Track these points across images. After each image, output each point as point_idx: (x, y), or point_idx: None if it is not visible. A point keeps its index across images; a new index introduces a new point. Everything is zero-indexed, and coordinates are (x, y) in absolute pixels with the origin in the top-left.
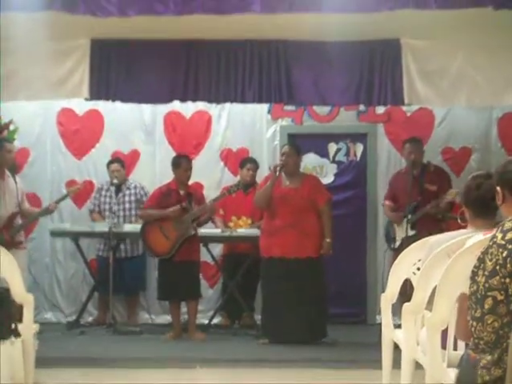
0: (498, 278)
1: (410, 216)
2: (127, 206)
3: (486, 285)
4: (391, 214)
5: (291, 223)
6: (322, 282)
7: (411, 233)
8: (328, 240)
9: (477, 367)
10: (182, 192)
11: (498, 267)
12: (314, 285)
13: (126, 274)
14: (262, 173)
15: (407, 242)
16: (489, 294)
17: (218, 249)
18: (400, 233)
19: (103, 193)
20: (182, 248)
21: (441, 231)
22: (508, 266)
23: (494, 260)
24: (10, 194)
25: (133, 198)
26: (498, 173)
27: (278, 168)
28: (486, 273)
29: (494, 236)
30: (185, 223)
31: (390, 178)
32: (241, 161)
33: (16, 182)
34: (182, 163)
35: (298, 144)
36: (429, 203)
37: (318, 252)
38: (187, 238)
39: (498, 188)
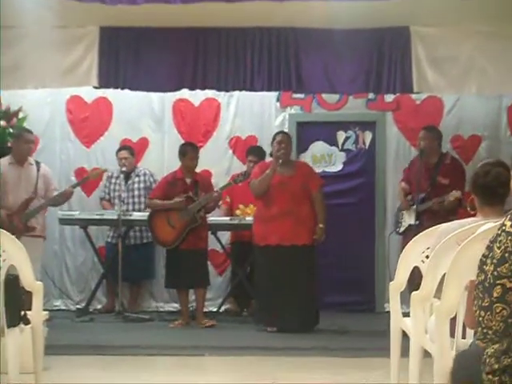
0: (507, 265)
1: (415, 206)
2: (136, 193)
3: (495, 273)
4: (402, 199)
5: (287, 211)
6: (315, 270)
7: (415, 222)
8: (321, 225)
9: (480, 356)
10: (188, 180)
11: (507, 254)
12: (308, 272)
13: (133, 261)
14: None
15: (410, 230)
16: (498, 282)
17: (226, 237)
18: (407, 218)
19: (113, 180)
20: (190, 236)
21: None
22: None
23: (503, 247)
24: (27, 182)
25: (142, 185)
26: None
27: (280, 158)
28: (495, 261)
29: (503, 224)
30: (191, 212)
31: (411, 160)
32: (247, 149)
33: (39, 170)
34: (188, 151)
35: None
36: (437, 196)
37: (313, 239)
38: (194, 227)
39: None
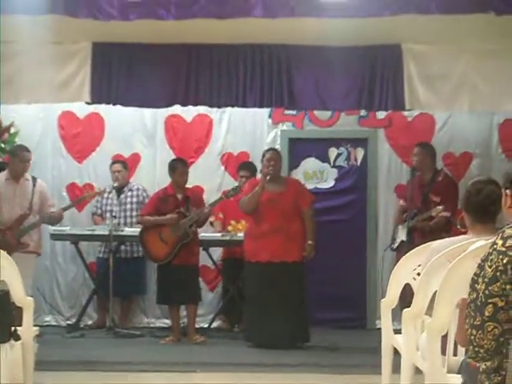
0: (498, 284)
1: (407, 222)
2: (128, 207)
3: (487, 292)
4: (397, 215)
5: (278, 227)
6: (304, 287)
7: (406, 238)
8: (310, 242)
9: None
10: (179, 196)
11: (498, 273)
12: (297, 289)
13: (124, 276)
14: None
15: (403, 246)
16: (489, 300)
17: (218, 253)
18: (401, 235)
19: (105, 195)
20: (181, 252)
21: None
22: (509, 272)
23: (494, 266)
24: (23, 197)
25: (134, 199)
26: (508, 175)
27: (269, 175)
28: (486, 280)
29: (495, 243)
30: (182, 228)
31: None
32: (238, 165)
33: (35, 186)
34: (177, 167)
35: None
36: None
37: (303, 255)
38: (186, 243)
39: (507, 191)
